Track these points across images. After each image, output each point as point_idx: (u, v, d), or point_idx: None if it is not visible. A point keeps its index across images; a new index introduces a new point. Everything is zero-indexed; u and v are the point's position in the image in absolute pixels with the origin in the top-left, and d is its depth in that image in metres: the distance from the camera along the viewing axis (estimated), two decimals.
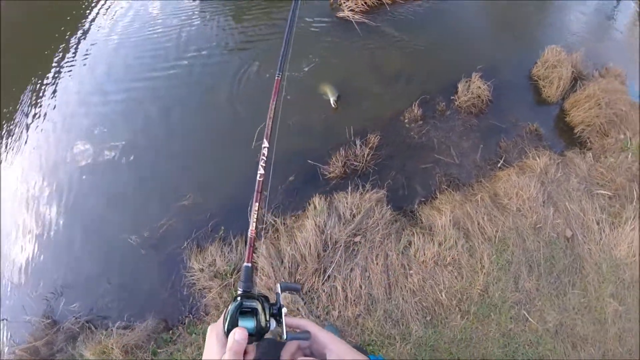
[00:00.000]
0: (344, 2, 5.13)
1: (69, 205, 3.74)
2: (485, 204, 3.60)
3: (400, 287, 3.14)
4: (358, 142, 3.98)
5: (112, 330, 2.95)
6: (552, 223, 3.53)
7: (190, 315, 3.09)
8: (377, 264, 3.21)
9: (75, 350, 2.93)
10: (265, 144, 0.88)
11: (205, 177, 3.88)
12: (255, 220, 0.84)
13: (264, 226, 3.49)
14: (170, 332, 3.01)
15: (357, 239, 3.37)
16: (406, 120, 4.24)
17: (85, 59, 5.04)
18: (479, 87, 4.33)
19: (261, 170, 0.86)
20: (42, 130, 4.34)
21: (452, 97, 4.42)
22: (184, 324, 3.05)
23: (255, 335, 0.68)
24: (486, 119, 4.34)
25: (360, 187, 3.71)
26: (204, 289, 3.15)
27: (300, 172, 3.89)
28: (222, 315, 0.70)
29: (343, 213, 3.43)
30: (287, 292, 1.00)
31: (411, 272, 3.20)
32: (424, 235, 3.36)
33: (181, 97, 4.42)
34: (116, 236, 3.47)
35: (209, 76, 4.59)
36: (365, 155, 3.92)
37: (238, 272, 3.10)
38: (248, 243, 0.83)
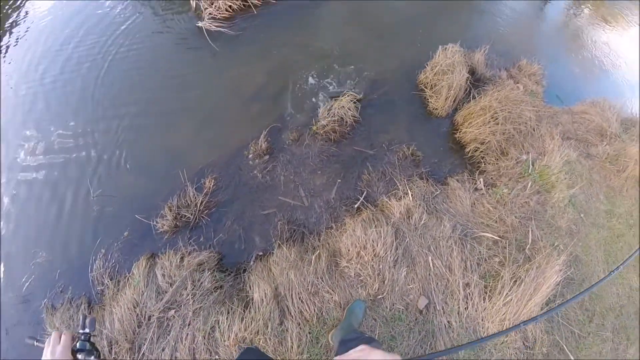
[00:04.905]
0: (206, 9, 4.32)
1: None
2: (318, 268, 2.81)
3: None
4: (191, 189, 3.26)
5: None
6: (401, 290, 2.72)
7: None
8: (184, 345, 2.59)
9: None
10: None
11: (52, 233, 3.30)
12: None
13: (102, 288, 2.96)
14: None
15: (171, 313, 2.76)
16: (250, 156, 3.46)
17: None
18: (343, 107, 3.49)
19: None
20: None
21: (310, 122, 3.58)
22: None
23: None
24: (349, 145, 3.51)
25: (182, 248, 3.04)
26: None
27: (135, 225, 3.21)
28: None
29: (160, 282, 2.83)
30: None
31: (217, 356, 2.56)
32: (232, 314, 2.67)
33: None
34: None
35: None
36: (198, 204, 3.20)
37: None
38: None
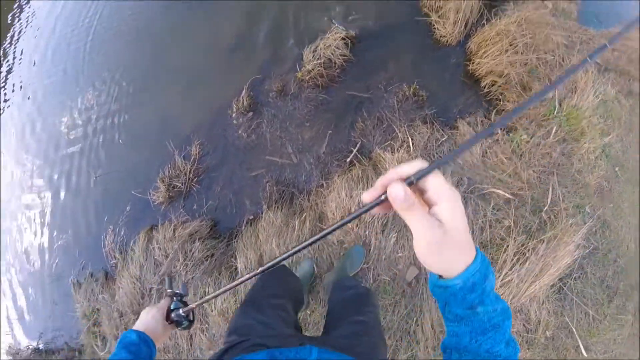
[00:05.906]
0: None
1: None
2: (302, 235, 2.63)
3: (199, 340, 2.63)
4: (178, 157, 3.15)
5: None
6: (388, 259, 2.49)
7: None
8: None
9: None
10: None
11: (71, 216, 3.51)
12: None
13: (115, 262, 3.13)
14: None
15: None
16: (234, 115, 3.18)
17: None
18: (329, 47, 3.03)
19: None
20: None
21: (295, 68, 3.19)
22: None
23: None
24: (341, 89, 3.08)
25: (174, 220, 3.00)
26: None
27: (134, 200, 3.26)
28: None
29: (157, 256, 2.91)
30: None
31: (206, 325, 2.65)
32: (218, 285, 2.66)
33: None
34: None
35: None
36: (187, 173, 3.10)
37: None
38: None
